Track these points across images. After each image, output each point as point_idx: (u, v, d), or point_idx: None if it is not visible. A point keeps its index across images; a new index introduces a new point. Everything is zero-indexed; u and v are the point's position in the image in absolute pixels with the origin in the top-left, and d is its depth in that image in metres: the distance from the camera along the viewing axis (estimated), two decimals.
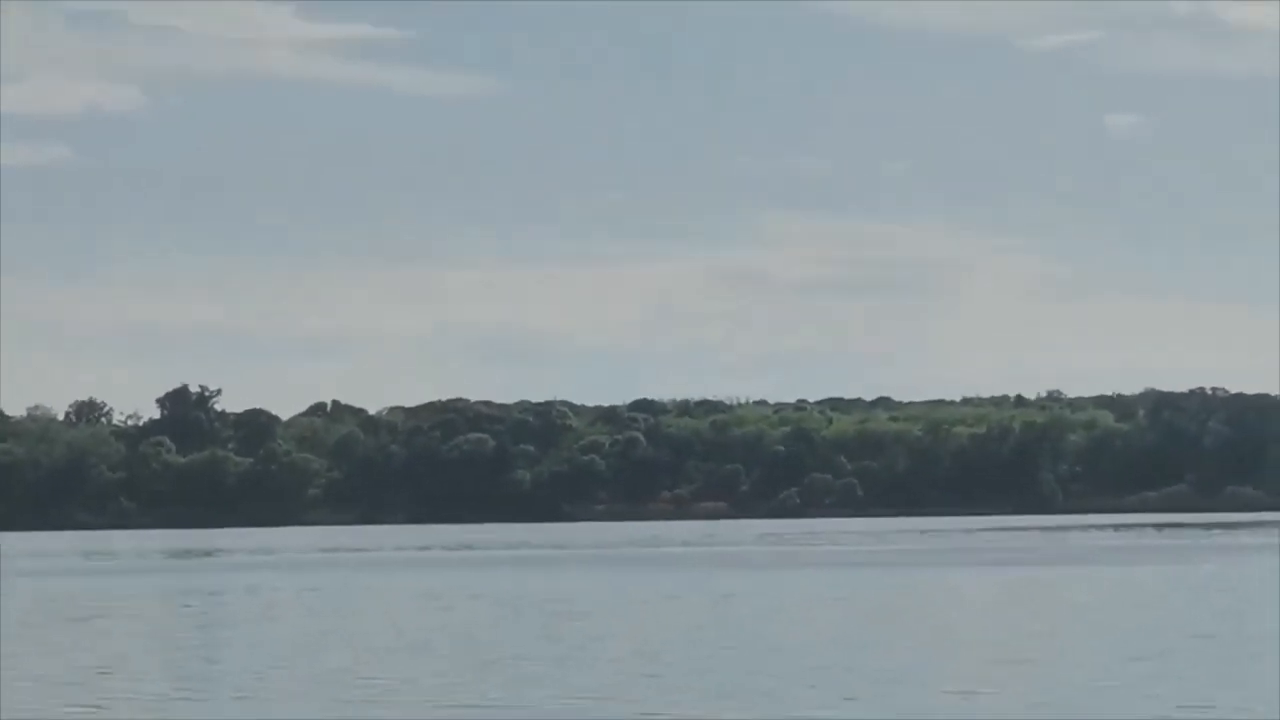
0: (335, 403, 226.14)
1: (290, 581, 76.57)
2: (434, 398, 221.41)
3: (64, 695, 24.49)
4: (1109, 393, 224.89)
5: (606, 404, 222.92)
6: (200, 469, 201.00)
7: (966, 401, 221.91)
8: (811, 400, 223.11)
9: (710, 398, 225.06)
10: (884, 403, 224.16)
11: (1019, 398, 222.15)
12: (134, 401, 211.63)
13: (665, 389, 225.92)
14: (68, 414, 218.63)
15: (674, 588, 64.79)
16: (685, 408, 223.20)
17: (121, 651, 36.80)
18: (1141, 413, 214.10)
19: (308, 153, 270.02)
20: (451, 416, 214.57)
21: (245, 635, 43.62)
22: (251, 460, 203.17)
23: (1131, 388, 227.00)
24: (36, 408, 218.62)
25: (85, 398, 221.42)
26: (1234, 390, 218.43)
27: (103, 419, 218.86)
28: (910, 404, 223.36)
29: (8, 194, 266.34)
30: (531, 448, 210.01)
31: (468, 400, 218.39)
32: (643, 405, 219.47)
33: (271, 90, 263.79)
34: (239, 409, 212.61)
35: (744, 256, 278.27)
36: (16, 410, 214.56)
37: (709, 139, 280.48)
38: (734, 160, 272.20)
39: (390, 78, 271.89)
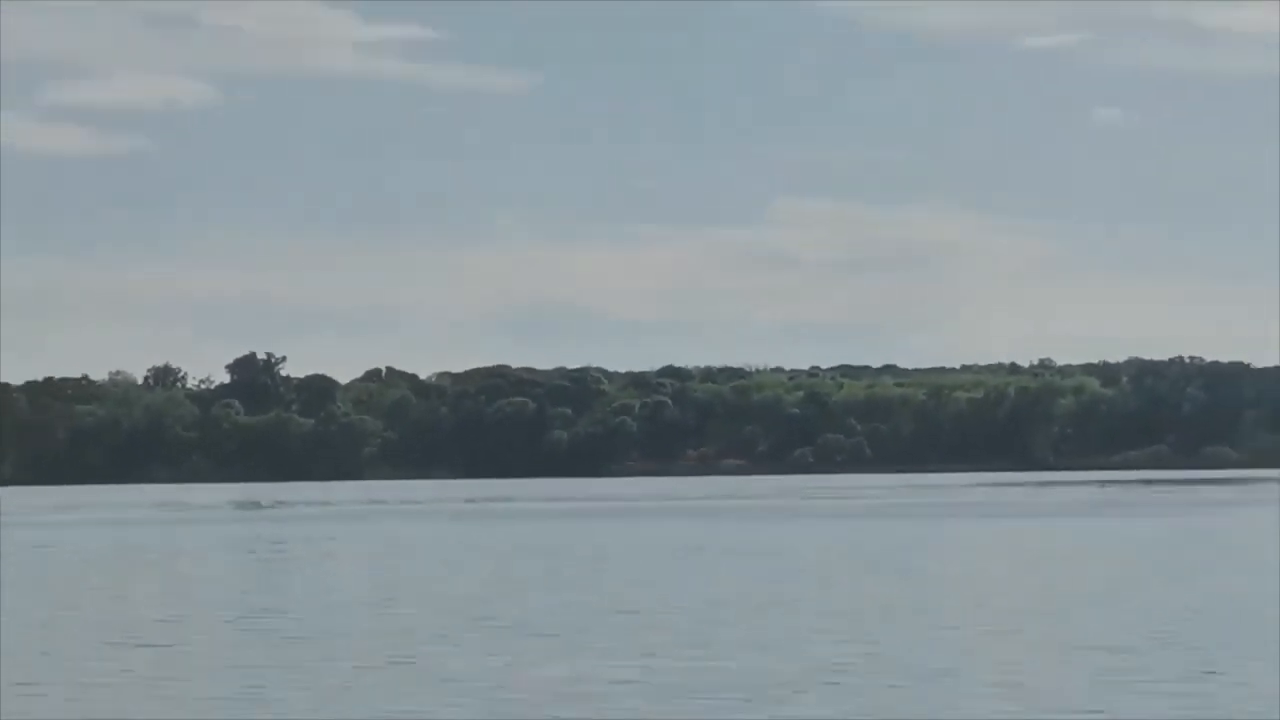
0: (389, 369, 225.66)
1: (348, 530, 76.64)
2: (479, 365, 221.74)
3: (137, 633, 24.49)
4: (1095, 360, 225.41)
5: (637, 370, 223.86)
6: (266, 429, 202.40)
7: (965, 369, 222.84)
8: (824, 367, 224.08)
9: (731, 365, 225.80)
10: (890, 370, 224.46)
11: (1013, 365, 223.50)
12: (206, 367, 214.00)
13: (690, 357, 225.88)
14: (146, 378, 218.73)
15: (695, 537, 62.63)
16: (709, 374, 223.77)
17: (190, 593, 36.77)
18: (1125, 379, 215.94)
19: (363, 141, 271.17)
20: (495, 381, 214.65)
21: (302, 578, 43.08)
22: (313, 421, 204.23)
23: (1116, 356, 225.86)
24: (118, 373, 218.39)
25: (162, 364, 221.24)
26: (1210, 359, 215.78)
27: (177, 383, 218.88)
28: (914, 371, 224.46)
29: (94, 179, 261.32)
30: (568, 410, 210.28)
31: (510, 367, 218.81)
32: (669, 371, 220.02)
33: (329, 85, 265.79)
34: (302, 374, 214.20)
35: (762, 238, 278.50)
36: (100, 375, 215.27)
37: (730, 131, 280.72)
38: (752, 149, 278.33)
39: (437, 73, 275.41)
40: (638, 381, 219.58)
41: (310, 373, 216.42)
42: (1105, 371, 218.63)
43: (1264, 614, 26.45)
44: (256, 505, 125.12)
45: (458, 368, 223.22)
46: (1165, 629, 23.79)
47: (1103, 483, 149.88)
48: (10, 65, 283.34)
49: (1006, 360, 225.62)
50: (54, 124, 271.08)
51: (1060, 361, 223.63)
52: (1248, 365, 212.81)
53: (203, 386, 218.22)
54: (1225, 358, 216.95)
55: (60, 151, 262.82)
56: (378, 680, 17.46)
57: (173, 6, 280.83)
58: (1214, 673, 16.99)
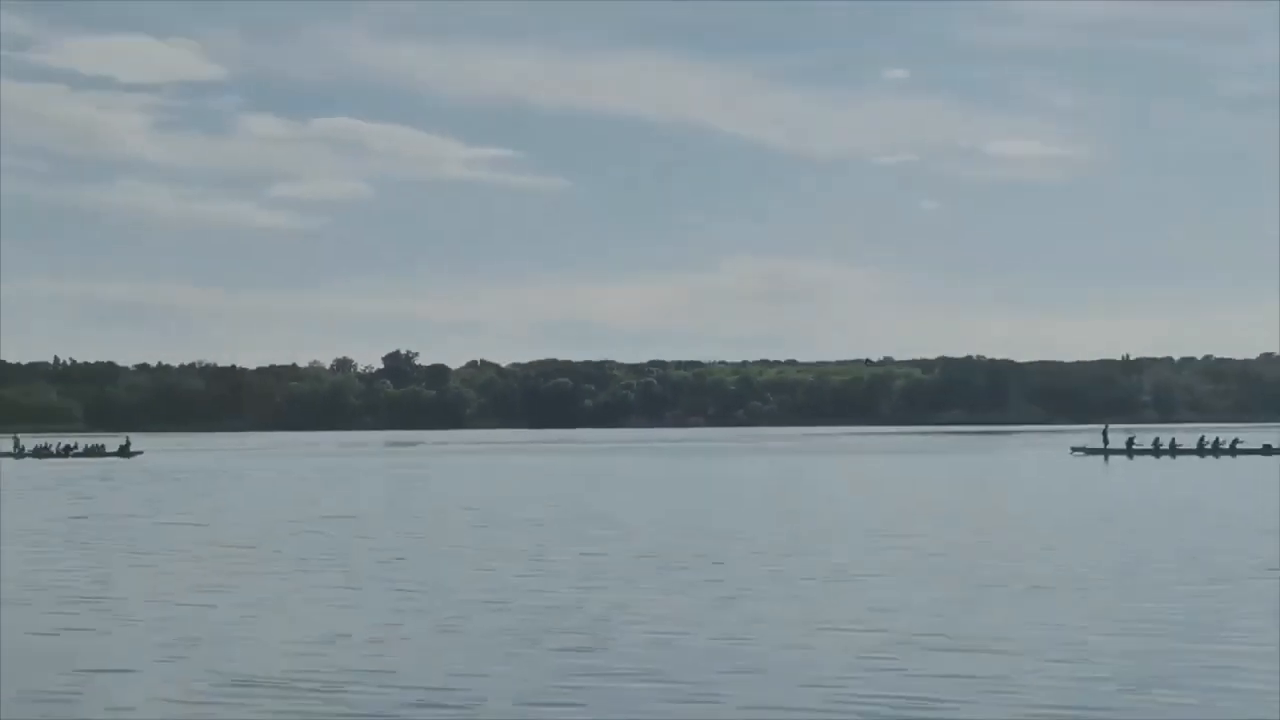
0: (483, 360, 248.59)
1: (455, 460, 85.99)
2: (537, 358, 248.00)
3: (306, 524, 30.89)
4: (918, 356, 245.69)
5: (635, 362, 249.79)
6: (406, 398, 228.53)
7: (840, 362, 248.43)
8: (751, 360, 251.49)
9: (694, 359, 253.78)
10: (793, 363, 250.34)
11: (868, 360, 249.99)
12: (369, 358, 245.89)
13: (668, 354, 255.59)
14: (332, 365, 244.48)
15: (688, 468, 70.50)
16: (680, 365, 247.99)
17: (354, 496, 44.34)
18: (937, 370, 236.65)
19: (463, 220, 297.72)
20: (547, 368, 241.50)
21: (426, 490, 49.99)
22: (435, 393, 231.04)
23: (931, 354, 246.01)
24: (314, 362, 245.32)
25: (342, 356, 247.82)
26: (990, 356, 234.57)
27: (352, 369, 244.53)
28: (807, 363, 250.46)
29: (299, 246, 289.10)
30: (592, 386, 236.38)
31: (556, 359, 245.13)
32: (656, 364, 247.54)
33: (444, 186, 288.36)
34: (427, 364, 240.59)
35: (715, 281, 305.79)
36: (304, 363, 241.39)
37: (683, 205, 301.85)
38: (697, 217, 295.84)
39: (513, 178, 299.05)
40: (636, 369, 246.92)
41: (433, 362, 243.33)
42: (924, 364, 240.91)
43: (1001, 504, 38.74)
44: (401, 445, 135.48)
45: (524, 359, 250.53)
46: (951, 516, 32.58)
47: (924, 434, 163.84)
48: (247, 170, 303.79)
49: (865, 356, 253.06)
50: (274, 209, 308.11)
51: (897, 358, 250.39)
52: (1014, 361, 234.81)
53: (366, 370, 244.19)
54: (999, 355, 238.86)
55: (279, 227, 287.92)
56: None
57: (348, 133, 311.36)
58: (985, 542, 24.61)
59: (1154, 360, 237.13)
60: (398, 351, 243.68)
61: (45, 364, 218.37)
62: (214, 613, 15.61)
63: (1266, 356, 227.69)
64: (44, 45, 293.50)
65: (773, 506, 38.84)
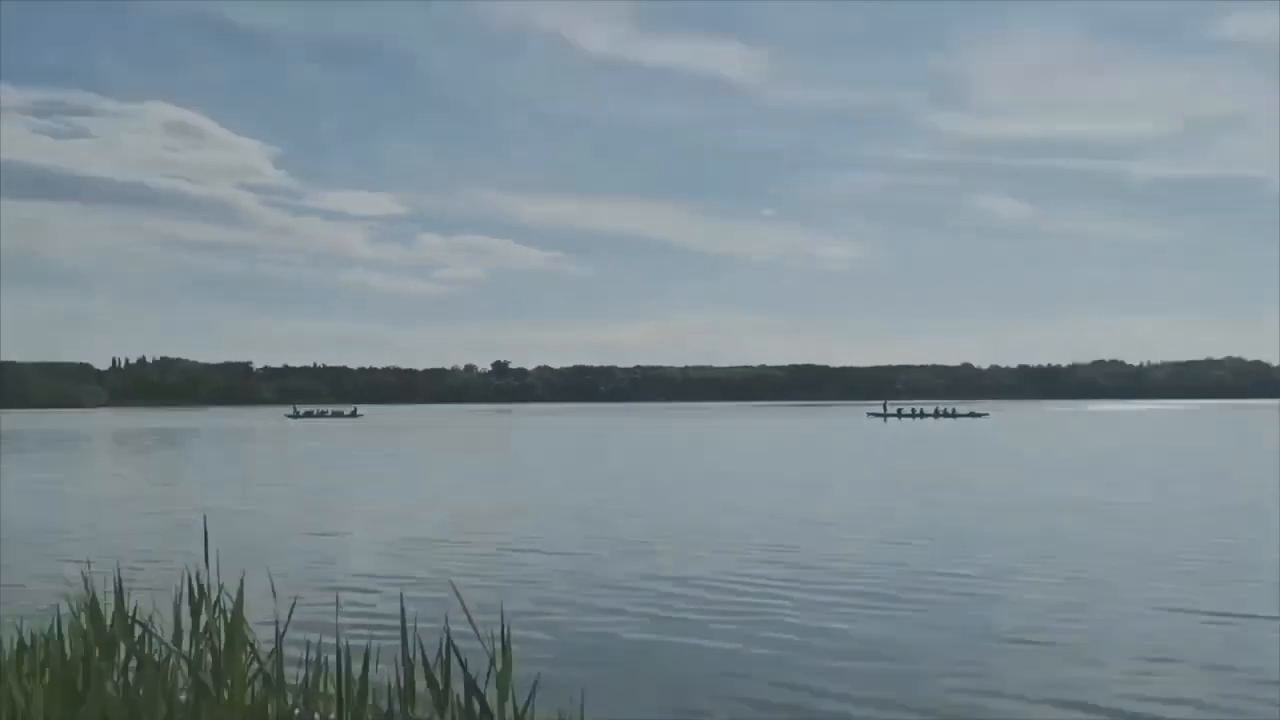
0: (544, 365, 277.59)
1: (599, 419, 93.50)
2: (575, 364, 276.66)
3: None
4: (759, 364, 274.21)
5: (626, 366, 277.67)
6: (504, 386, 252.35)
7: (740, 366, 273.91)
8: (693, 365, 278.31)
9: (659, 364, 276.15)
10: (709, 366, 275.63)
11: (746, 366, 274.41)
12: (483, 363, 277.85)
13: (645, 361, 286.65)
14: (465, 367, 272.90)
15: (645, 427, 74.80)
16: (646, 368, 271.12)
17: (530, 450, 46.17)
18: (782, 373, 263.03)
19: (536, 292, 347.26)
20: (577, 370, 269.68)
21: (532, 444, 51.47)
22: (519, 383, 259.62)
23: (779, 361, 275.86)
24: (454, 366, 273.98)
25: (469, 363, 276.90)
26: (804, 362, 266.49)
27: (475, 370, 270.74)
28: (721, 367, 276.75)
29: (451, 305, 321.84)
30: (601, 384, 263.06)
31: (582, 365, 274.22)
32: (640, 368, 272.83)
33: (525, 273, 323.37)
34: (514, 366, 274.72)
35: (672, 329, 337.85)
36: (448, 366, 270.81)
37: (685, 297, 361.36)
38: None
39: (567, 269, 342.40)
40: (628, 371, 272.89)
41: (516, 366, 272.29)
42: (764, 370, 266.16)
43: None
44: (503, 412, 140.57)
45: (563, 365, 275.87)
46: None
47: (791, 405, 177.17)
48: (421, 263, 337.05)
49: (750, 363, 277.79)
50: (436, 284, 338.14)
51: (755, 364, 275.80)
52: (824, 365, 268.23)
53: (481, 370, 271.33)
54: (825, 363, 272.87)
55: (438, 294, 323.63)
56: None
57: (475, 243, 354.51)
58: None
59: (908, 367, 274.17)
60: (500, 361, 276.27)
61: (309, 367, 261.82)
62: None
63: (967, 365, 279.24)
64: (310, 195, 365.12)
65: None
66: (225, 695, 3.73)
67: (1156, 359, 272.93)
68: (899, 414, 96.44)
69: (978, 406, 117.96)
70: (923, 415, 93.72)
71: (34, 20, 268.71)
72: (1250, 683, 8.06)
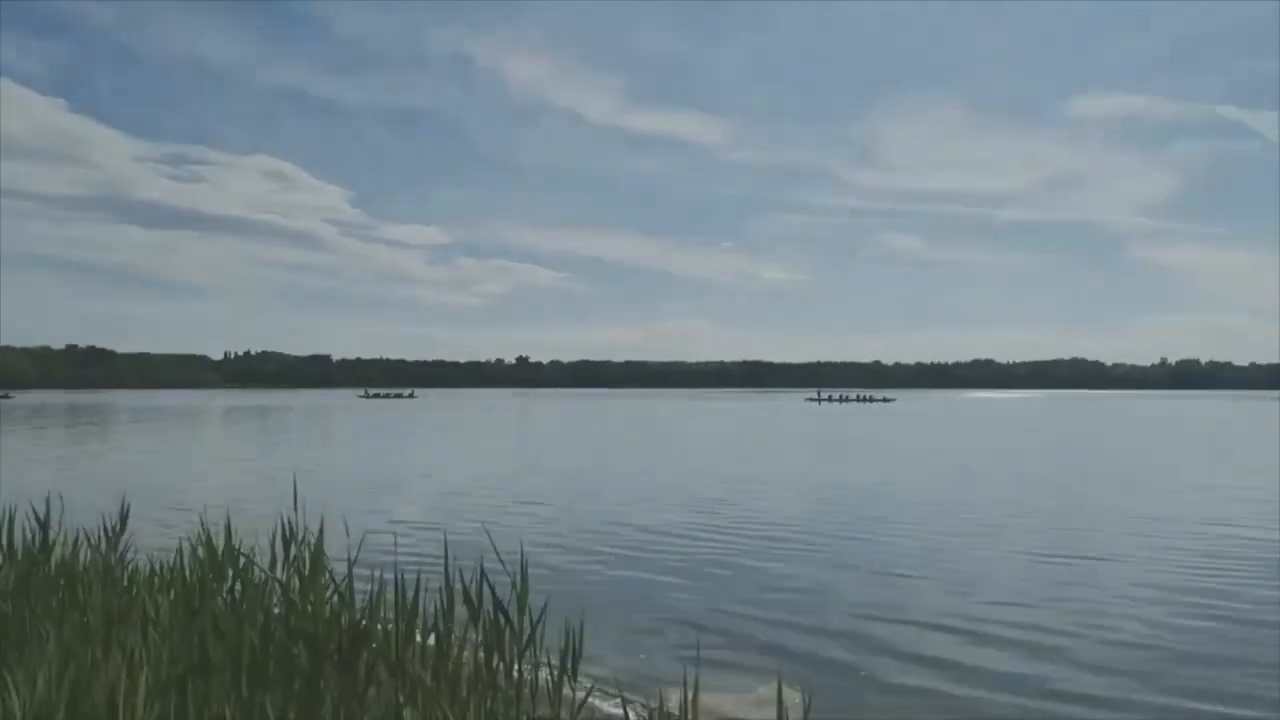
0: (566, 360, 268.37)
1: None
2: (584, 359, 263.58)
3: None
4: (718, 360, 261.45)
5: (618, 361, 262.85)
6: (531, 374, 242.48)
7: (697, 362, 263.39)
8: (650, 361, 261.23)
9: (638, 359, 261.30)
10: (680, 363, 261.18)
11: (709, 361, 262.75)
12: (510, 357, 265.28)
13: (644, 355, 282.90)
14: (488, 360, 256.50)
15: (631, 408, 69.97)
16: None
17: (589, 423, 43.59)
18: (738, 373, 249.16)
19: (544, 303, 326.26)
20: (583, 363, 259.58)
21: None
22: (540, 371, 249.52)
23: (734, 358, 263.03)
24: (498, 359, 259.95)
25: (499, 357, 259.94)
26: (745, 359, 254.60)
27: (501, 361, 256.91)
28: (682, 362, 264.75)
29: (488, 314, 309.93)
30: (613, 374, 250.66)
31: (587, 360, 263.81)
32: (634, 363, 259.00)
33: (541, 288, 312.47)
34: (533, 360, 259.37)
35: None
36: (493, 360, 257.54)
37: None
38: None
39: (572, 287, 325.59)
40: (621, 366, 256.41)
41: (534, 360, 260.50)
42: (721, 365, 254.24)
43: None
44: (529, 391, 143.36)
45: (565, 358, 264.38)
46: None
47: (748, 392, 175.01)
48: (461, 279, 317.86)
49: (711, 359, 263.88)
50: (472, 298, 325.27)
51: (716, 360, 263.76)
52: (769, 361, 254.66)
53: (506, 362, 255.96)
54: (756, 358, 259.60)
55: (477, 305, 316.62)
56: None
57: (499, 266, 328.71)
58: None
59: (832, 363, 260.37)
60: (522, 356, 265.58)
61: (376, 359, 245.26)
62: None
63: (877, 362, 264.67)
64: (377, 228, 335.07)
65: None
66: (308, 609, 3.83)
67: (1018, 359, 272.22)
68: (829, 399, 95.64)
69: (887, 394, 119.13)
70: (846, 400, 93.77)
71: (162, 90, 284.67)
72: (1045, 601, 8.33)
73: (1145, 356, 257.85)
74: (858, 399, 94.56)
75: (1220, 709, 5.57)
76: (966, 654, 6.75)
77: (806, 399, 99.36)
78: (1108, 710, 5.58)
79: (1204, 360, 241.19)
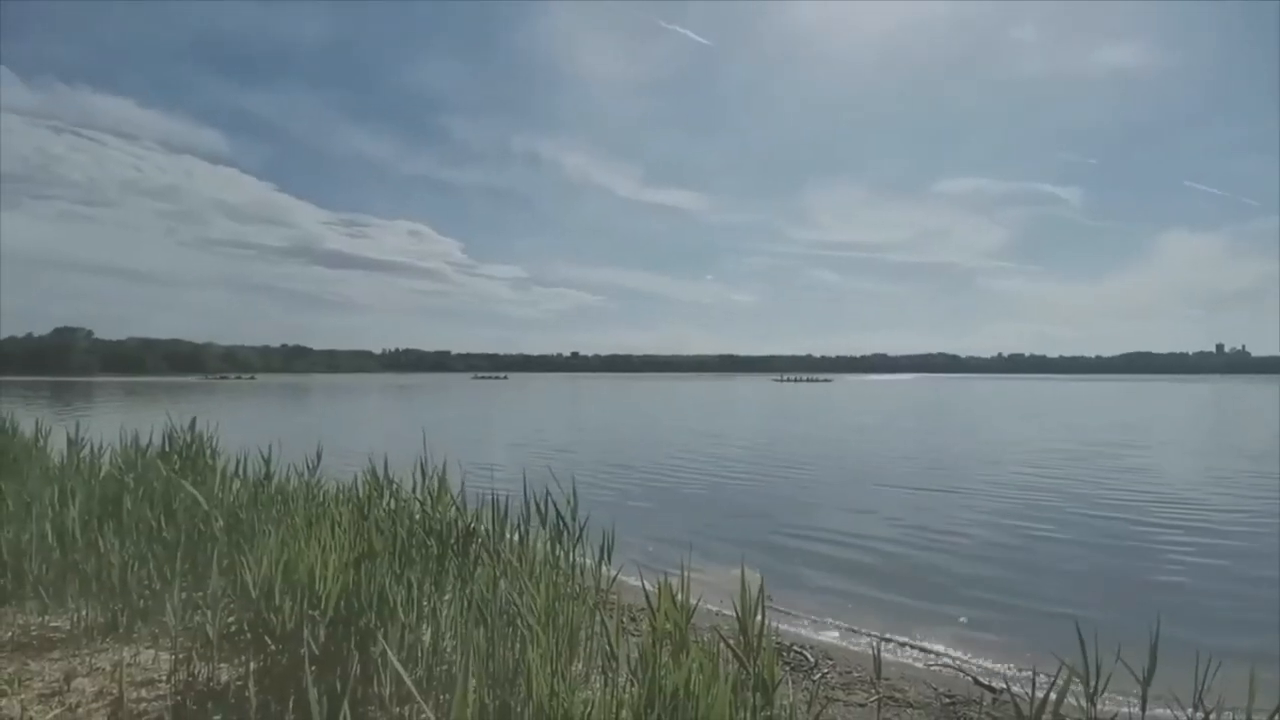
0: (574, 353, 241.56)
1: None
2: (611, 352, 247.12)
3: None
4: (702, 354, 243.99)
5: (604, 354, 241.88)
6: (546, 363, 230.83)
7: (606, 355, 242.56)
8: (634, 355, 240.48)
9: (620, 354, 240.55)
10: (657, 356, 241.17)
11: (696, 355, 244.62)
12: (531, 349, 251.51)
13: (637, 348, 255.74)
14: (551, 354, 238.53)
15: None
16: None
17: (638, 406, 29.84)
18: (715, 358, 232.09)
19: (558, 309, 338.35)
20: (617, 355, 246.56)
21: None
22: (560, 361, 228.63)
23: (714, 353, 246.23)
24: (544, 354, 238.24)
25: (532, 351, 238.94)
26: (722, 354, 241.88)
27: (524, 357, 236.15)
28: (668, 355, 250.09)
29: (552, 325, 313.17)
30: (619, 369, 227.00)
31: (622, 355, 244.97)
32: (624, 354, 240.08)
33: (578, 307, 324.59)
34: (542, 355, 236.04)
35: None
36: (540, 353, 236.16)
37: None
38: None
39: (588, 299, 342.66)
40: (641, 359, 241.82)
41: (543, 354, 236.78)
42: (706, 357, 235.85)
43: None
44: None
45: (604, 354, 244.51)
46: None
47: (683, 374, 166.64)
48: (491, 299, 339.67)
49: (698, 353, 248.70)
50: (528, 309, 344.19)
51: (700, 354, 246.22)
52: (738, 355, 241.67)
53: (556, 355, 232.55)
54: (731, 353, 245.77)
55: (537, 317, 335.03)
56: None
57: (515, 280, 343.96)
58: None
59: (780, 356, 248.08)
60: (575, 351, 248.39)
61: (480, 354, 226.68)
62: None
63: (810, 355, 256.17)
64: (479, 267, 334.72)
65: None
66: (436, 515, 3.87)
67: (903, 354, 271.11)
68: (790, 379, 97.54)
69: (826, 376, 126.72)
70: (799, 380, 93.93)
71: (338, 176, 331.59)
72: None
73: (987, 351, 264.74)
74: (807, 380, 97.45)
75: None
76: (863, 541, 6.81)
77: (773, 380, 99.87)
78: (953, 564, 5.95)
79: (1027, 354, 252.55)
